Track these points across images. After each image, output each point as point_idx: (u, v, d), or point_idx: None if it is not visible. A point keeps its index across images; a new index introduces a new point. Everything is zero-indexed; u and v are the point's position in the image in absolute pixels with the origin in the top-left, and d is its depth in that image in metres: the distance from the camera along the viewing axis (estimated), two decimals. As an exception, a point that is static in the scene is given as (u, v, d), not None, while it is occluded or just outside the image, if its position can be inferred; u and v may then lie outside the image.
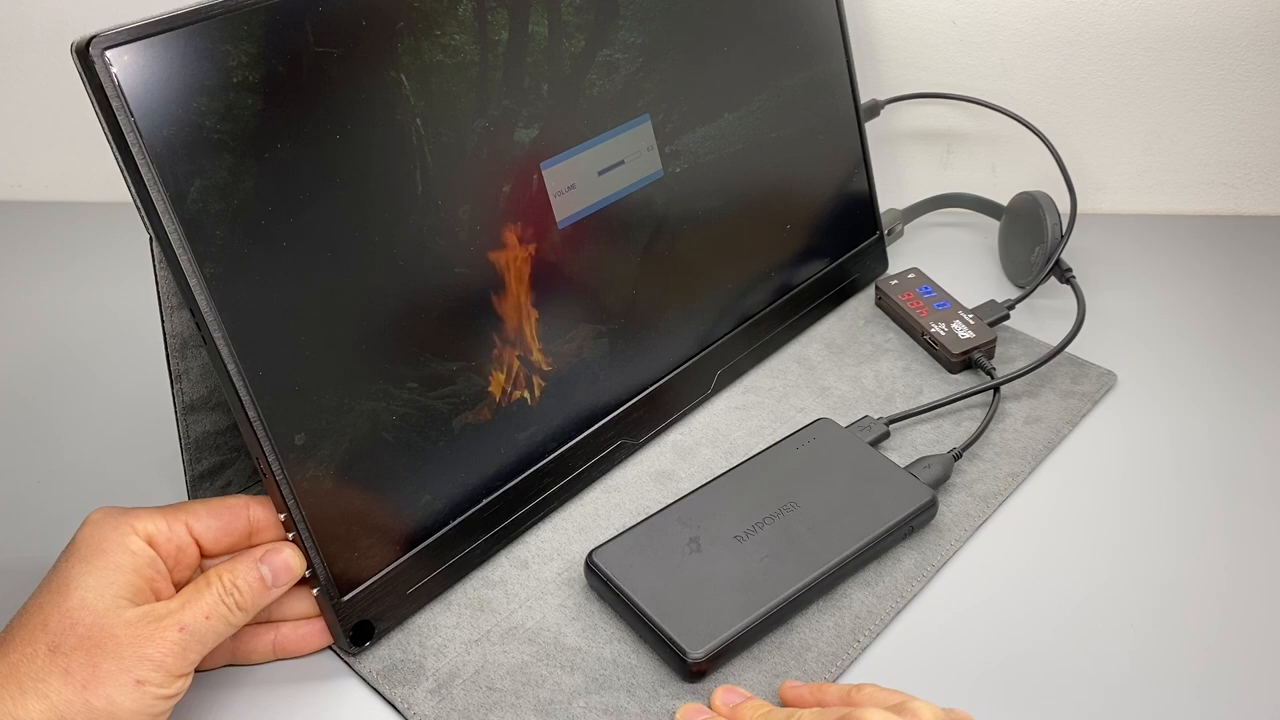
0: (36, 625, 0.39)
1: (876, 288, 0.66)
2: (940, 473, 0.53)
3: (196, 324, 0.40)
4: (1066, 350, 0.60)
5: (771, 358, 0.63)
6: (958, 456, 0.54)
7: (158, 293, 0.42)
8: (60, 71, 0.77)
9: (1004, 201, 0.70)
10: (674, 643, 0.45)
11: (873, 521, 0.50)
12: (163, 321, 0.43)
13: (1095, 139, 0.74)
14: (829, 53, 0.63)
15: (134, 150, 0.37)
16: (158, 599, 0.41)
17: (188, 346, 0.45)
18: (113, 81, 0.36)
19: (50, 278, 0.74)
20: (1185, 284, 0.69)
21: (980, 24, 0.71)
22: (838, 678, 0.46)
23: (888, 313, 0.66)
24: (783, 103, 0.61)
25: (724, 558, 0.48)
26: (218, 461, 0.50)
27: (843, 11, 0.63)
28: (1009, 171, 0.76)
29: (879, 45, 0.72)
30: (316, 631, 0.47)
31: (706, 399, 0.59)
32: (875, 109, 0.69)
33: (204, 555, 0.44)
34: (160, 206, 0.38)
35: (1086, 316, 0.61)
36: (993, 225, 0.72)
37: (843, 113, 0.65)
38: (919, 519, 0.51)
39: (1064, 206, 0.65)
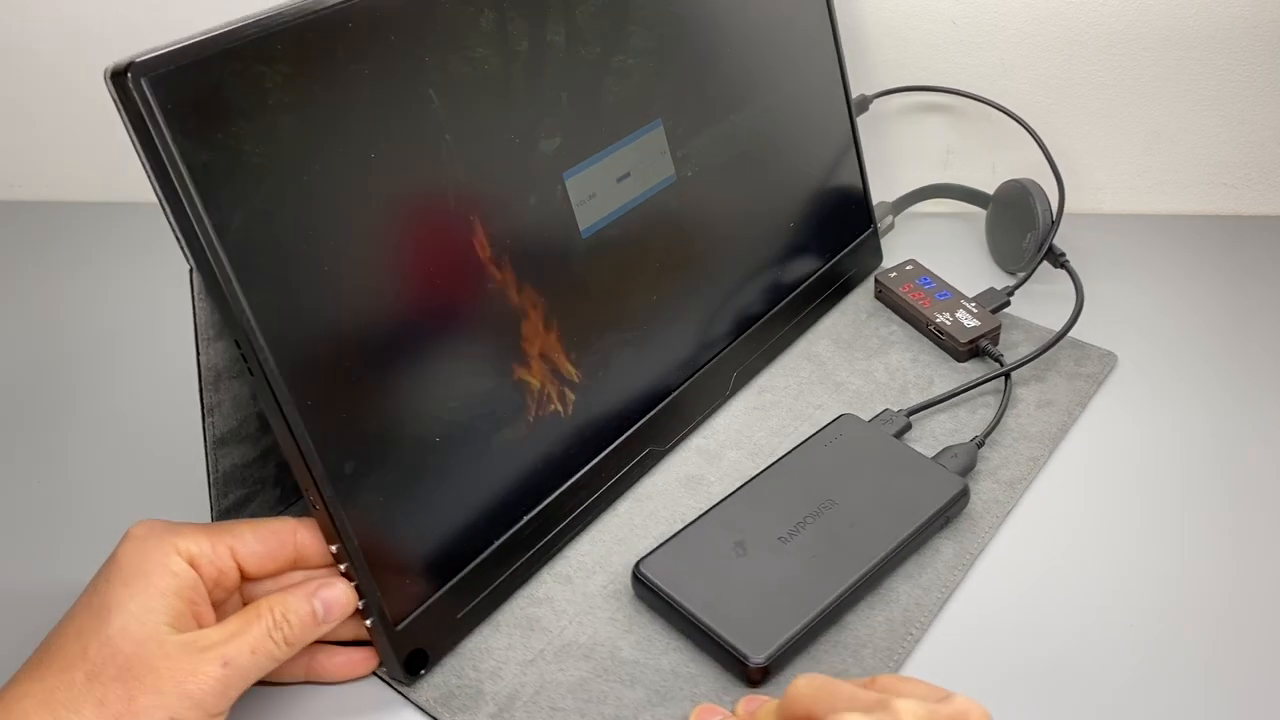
0: (75, 652, 0.38)
1: (876, 281, 0.67)
2: (967, 461, 0.54)
3: (243, 355, 0.39)
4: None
5: (782, 356, 0.63)
6: (980, 444, 0.55)
7: (194, 324, 0.41)
8: (60, 71, 0.75)
9: (989, 191, 0.71)
10: (734, 648, 0.45)
11: (911, 514, 0.50)
12: (198, 354, 0.42)
13: (1095, 139, 0.74)
14: (820, 50, 0.63)
15: (174, 179, 0.36)
16: (199, 623, 0.40)
17: (221, 379, 0.43)
18: (151, 109, 0.35)
19: (50, 278, 0.72)
20: (1185, 284, 0.68)
21: (980, 24, 0.70)
22: (896, 670, 0.46)
23: (889, 305, 0.67)
24: (780, 102, 0.61)
25: (771, 560, 0.48)
26: (243, 495, 0.49)
27: (833, 9, 0.63)
28: (1001, 162, 0.75)
29: (879, 45, 0.72)
30: (358, 659, 0.46)
31: (725, 401, 0.59)
32: (864, 104, 0.69)
33: (244, 579, 0.43)
34: (203, 237, 0.37)
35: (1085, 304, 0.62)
36: (977, 214, 0.73)
37: (836, 109, 0.65)
38: (954, 509, 0.51)
39: (1052, 196, 0.66)
